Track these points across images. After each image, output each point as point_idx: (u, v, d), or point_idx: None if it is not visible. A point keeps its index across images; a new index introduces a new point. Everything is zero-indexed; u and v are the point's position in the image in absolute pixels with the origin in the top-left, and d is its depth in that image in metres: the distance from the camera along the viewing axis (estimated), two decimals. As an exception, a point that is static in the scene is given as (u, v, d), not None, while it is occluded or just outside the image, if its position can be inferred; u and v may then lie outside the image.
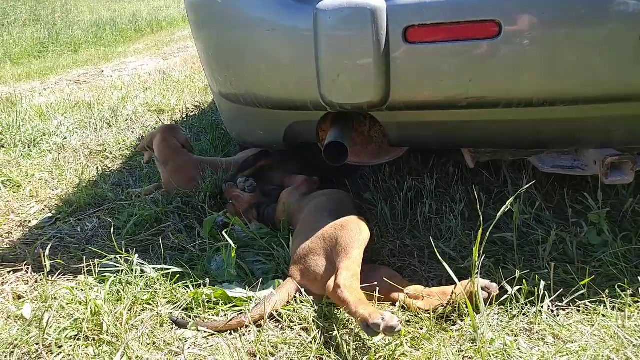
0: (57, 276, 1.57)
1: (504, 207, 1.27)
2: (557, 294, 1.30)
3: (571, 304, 1.29)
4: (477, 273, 1.24)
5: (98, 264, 1.51)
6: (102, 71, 6.65)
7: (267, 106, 1.61)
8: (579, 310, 1.28)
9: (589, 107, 1.37)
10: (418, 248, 1.61)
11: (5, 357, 1.18)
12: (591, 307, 1.28)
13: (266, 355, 1.17)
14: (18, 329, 1.26)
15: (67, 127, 3.55)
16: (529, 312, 1.26)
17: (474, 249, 1.23)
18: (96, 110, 3.95)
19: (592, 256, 1.48)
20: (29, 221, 2.08)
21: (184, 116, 3.71)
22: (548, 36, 1.24)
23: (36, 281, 1.58)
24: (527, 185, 1.48)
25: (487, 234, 1.34)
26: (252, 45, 1.51)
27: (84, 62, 8.18)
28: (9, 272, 1.62)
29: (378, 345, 1.16)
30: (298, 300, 1.34)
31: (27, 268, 1.63)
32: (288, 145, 1.78)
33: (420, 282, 1.41)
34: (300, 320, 1.27)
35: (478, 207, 1.46)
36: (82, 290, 1.39)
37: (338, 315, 1.27)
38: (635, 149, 1.53)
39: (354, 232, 1.36)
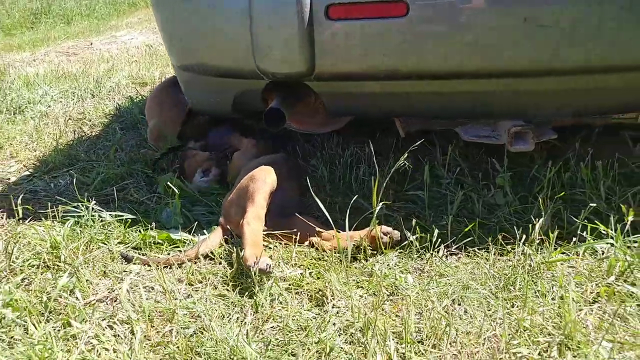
0: (28, 221, 1.78)
1: (399, 162, 1.48)
2: (451, 241, 1.51)
3: (462, 251, 1.51)
4: (377, 220, 1.46)
5: (62, 210, 1.72)
6: (91, 43, 6.76)
7: (216, 75, 1.80)
8: (468, 256, 1.50)
9: (492, 81, 1.56)
10: (345, 204, 1.82)
11: (-24, 280, 1.40)
12: (479, 252, 1.50)
13: (195, 283, 1.38)
14: (-11, 261, 1.48)
15: (51, 96, 3.72)
16: (424, 256, 1.48)
17: (373, 198, 1.44)
18: (81, 81, 4.12)
19: (494, 214, 1.69)
20: (9, 178, 2.28)
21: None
22: (450, 15, 1.43)
23: (9, 225, 1.79)
24: (418, 143, 1.67)
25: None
26: (199, 20, 1.70)
27: (74, 35, 8.27)
28: (-14, 219, 1.83)
29: (288, 275, 1.38)
30: (229, 242, 1.55)
31: (2, 215, 1.84)
32: (237, 112, 1.97)
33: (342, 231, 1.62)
34: (228, 257, 1.49)
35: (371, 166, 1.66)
36: (45, 230, 1.60)
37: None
38: (539, 120, 1.73)
39: (260, 182, 1.60)
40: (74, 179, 2.16)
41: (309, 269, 1.43)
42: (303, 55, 1.55)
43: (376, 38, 1.50)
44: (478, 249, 1.51)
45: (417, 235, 1.51)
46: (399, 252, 1.51)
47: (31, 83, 4.17)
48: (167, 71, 4.51)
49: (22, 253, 1.50)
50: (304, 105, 2.00)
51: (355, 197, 1.65)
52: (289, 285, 1.35)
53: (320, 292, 1.32)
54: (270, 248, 1.53)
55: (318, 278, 1.38)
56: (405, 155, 1.52)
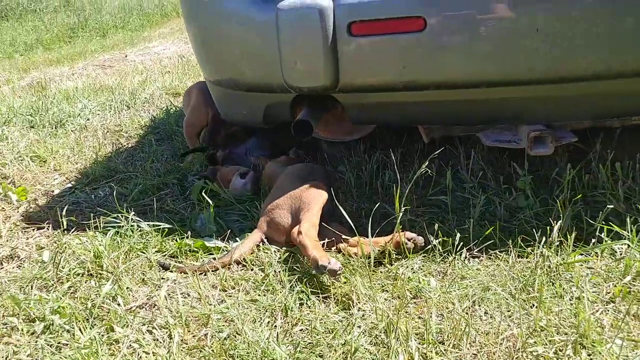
0: (72, 232, 1.91)
1: (421, 169, 1.53)
2: (473, 244, 1.56)
3: (484, 253, 1.55)
4: (401, 225, 1.52)
5: (103, 221, 1.84)
6: (126, 55, 7.02)
7: (246, 89, 1.89)
8: (489, 258, 1.53)
9: (509, 89, 1.60)
10: (371, 210, 1.88)
11: (29, 288, 1.52)
12: (500, 255, 1.53)
13: (228, 289, 1.47)
14: (38, 269, 1.60)
15: (89, 109, 3.91)
16: (447, 260, 1.52)
17: (396, 204, 1.50)
18: (117, 93, 4.31)
19: (516, 217, 1.72)
20: (52, 190, 2.43)
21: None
22: (465, 27, 1.48)
23: (54, 236, 1.93)
24: (440, 150, 1.72)
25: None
26: (230, 37, 1.80)
27: (110, 47, 8.59)
28: (33, 230, 1.98)
29: (315, 280, 1.45)
30: (262, 249, 1.64)
31: (48, 226, 1.98)
32: (268, 123, 2.07)
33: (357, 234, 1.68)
34: (260, 263, 1.58)
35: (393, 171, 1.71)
36: (89, 240, 1.72)
37: (287, 260, 1.56)
38: (557, 124, 1.75)
39: (315, 194, 1.67)
40: (114, 191, 2.30)
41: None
42: (327, 70, 1.62)
43: (396, 52, 1.56)
44: (499, 252, 1.54)
45: (440, 239, 1.55)
46: (423, 256, 1.56)
47: (71, 97, 4.39)
48: (199, 80, 4.67)
49: (68, 262, 1.62)
50: (331, 115, 2.07)
51: (378, 203, 1.72)
52: (317, 290, 1.42)
53: (346, 296, 1.38)
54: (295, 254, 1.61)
55: (344, 283, 1.44)
56: (427, 162, 1.57)
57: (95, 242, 1.67)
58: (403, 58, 1.56)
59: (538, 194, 1.76)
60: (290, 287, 1.43)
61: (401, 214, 1.53)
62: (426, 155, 2.21)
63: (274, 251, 1.62)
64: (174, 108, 3.75)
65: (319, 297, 1.40)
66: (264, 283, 1.48)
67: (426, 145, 2.27)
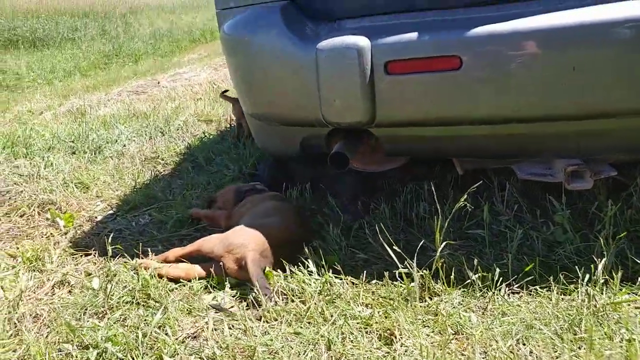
0: (117, 259, 1.98)
1: (459, 203, 1.55)
2: (513, 279, 1.56)
3: (524, 289, 1.55)
4: (442, 259, 1.53)
5: (151, 248, 1.92)
6: (159, 82, 7.26)
7: (284, 124, 1.96)
8: (530, 294, 1.54)
9: (543, 124, 1.62)
10: (407, 242, 1.91)
11: (81, 314, 1.59)
12: (541, 292, 1.53)
13: (270, 320, 1.51)
14: (89, 296, 1.67)
15: (126, 135, 4.05)
16: (486, 295, 1.53)
17: (436, 238, 1.52)
18: (151, 119, 4.45)
19: (555, 251, 1.72)
20: (96, 217, 2.53)
21: (229, 125, 4.15)
22: (500, 66, 1.51)
23: (101, 263, 2.01)
24: (477, 184, 1.74)
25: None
26: (269, 75, 1.87)
27: (142, 73, 8.89)
28: (81, 256, 2.06)
29: (356, 315, 1.47)
30: (301, 280, 1.67)
31: (95, 253, 2.06)
32: (305, 154, 2.13)
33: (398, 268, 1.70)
34: (300, 294, 1.61)
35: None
36: (134, 268, 1.79)
37: (329, 291, 1.59)
38: (596, 158, 1.75)
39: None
40: (153, 219, 2.38)
41: (377, 308, 1.52)
42: (365, 107, 1.67)
43: (431, 89, 1.61)
44: (540, 288, 1.55)
45: (479, 274, 1.56)
46: (462, 291, 1.57)
47: (107, 123, 4.56)
48: (230, 108, 4.80)
49: (117, 290, 1.68)
50: (365, 147, 2.12)
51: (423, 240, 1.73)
52: (359, 323, 1.45)
53: (388, 331, 1.40)
54: (336, 285, 1.63)
55: (386, 317, 1.46)
56: (465, 195, 1.59)
57: (142, 271, 1.73)
58: (438, 95, 1.60)
59: (577, 228, 1.76)
60: (333, 320, 1.46)
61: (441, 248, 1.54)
62: (460, 186, 2.25)
63: (314, 282, 1.66)
64: (208, 135, 3.86)
65: (361, 331, 1.42)
66: (305, 315, 1.51)
67: (459, 176, 2.29)
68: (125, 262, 1.90)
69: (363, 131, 2.05)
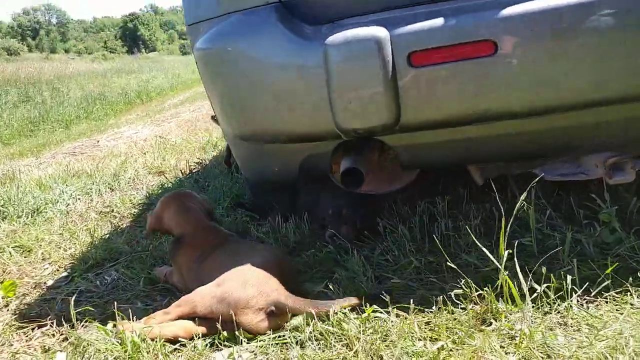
0: (83, 326, 1.56)
1: (517, 206, 1.33)
2: (582, 288, 1.33)
3: (598, 297, 1.33)
4: (506, 272, 1.28)
5: (126, 310, 1.52)
6: (98, 141, 6.76)
7: (283, 141, 1.69)
8: (606, 302, 1.31)
9: (582, 113, 1.46)
10: (440, 264, 1.65)
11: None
12: (617, 297, 1.31)
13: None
14: (57, 375, 1.25)
15: (69, 194, 3.57)
16: (559, 308, 1.29)
17: (500, 246, 1.28)
18: (97, 177, 4.00)
19: (608, 253, 1.53)
20: (45, 282, 2.07)
21: (187, 173, 3.79)
22: (540, 49, 1.35)
23: (61, 333, 1.57)
24: (532, 183, 1.55)
25: (505, 238, 1.38)
26: (265, 85, 1.61)
27: (77, 136, 8.32)
28: (32, 329, 1.61)
29: (419, 351, 1.17)
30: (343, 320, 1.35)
31: (52, 322, 1.62)
32: (302, 179, 1.85)
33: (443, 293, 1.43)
34: (340, 338, 1.29)
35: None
36: (115, 333, 1.39)
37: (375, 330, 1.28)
38: (630, 150, 1.62)
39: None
40: (122, 275, 1.97)
41: (438, 340, 1.23)
42: (388, 107, 1.45)
43: (463, 80, 1.41)
44: (616, 294, 1.33)
45: (544, 285, 1.33)
46: (526, 307, 1.31)
47: (44, 184, 4.05)
48: (183, 158, 4.45)
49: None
50: (369, 164, 1.89)
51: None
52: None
53: (467, 366, 1.11)
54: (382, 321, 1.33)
55: (457, 349, 1.17)
56: (524, 194, 1.37)
57: (125, 334, 1.34)
58: (473, 86, 1.41)
59: (626, 227, 1.58)
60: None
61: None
62: (475, 200, 2.06)
63: (353, 319, 1.34)
64: (169, 183, 3.49)
65: (434, 370, 1.12)
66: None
67: (471, 191, 2.10)
68: (97, 327, 1.49)
69: (370, 146, 1.83)
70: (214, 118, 4.00)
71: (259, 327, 1.36)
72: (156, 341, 1.31)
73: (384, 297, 1.39)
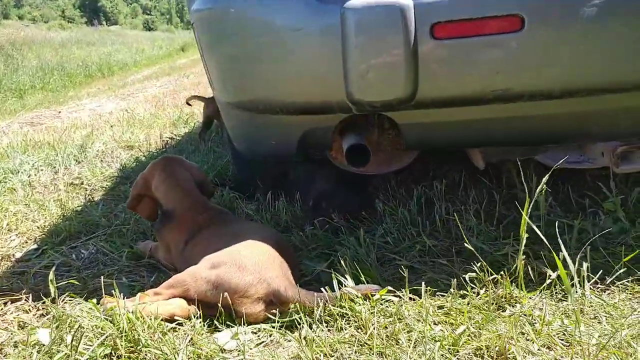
0: (63, 300, 1.42)
1: (539, 187, 1.29)
2: (597, 275, 1.32)
3: (611, 285, 1.31)
4: (523, 257, 1.25)
5: (110, 286, 1.39)
6: (59, 112, 6.40)
7: (286, 111, 1.59)
8: (620, 290, 1.30)
9: (600, 99, 1.44)
10: (444, 248, 1.61)
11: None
12: (630, 285, 1.30)
13: (324, 355, 1.09)
14: (40, 355, 1.12)
15: (31, 164, 3.34)
16: (567, 296, 1.26)
17: (522, 230, 1.24)
18: (60, 148, 3.75)
19: (613, 242, 1.52)
20: (12, 254, 1.90)
21: (161, 148, 3.61)
22: (571, 28, 1.31)
23: (38, 309, 1.43)
24: (546, 176, 1.52)
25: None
26: (271, 49, 1.50)
27: (33, 106, 7.85)
28: (5, 303, 1.46)
29: (437, 336, 1.12)
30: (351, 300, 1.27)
31: (27, 297, 1.48)
32: (300, 155, 1.75)
33: (452, 277, 1.38)
34: (353, 319, 1.21)
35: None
36: (103, 310, 1.26)
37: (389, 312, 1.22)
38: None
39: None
40: (101, 249, 1.83)
41: (455, 324, 1.18)
42: (406, 80, 1.37)
43: (488, 57, 1.35)
44: (628, 282, 1.31)
45: (556, 272, 1.30)
46: (540, 293, 1.28)
47: (2, 154, 3.78)
48: (151, 133, 4.25)
49: (84, 342, 1.15)
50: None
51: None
52: (446, 346, 1.09)
53: (495, 351, 1.06)
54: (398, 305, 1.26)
55: (476, 335, 1.12)
56: (545, 179, 1.33)
57: (119, 311, 1.22)
58: (496, 63, 1.36)
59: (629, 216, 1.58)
60: (410, 346, 1.09)
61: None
62: (470, 187, 2.02)
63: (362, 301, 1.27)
64: (142, 157, 3.31)
65: (451, 355, 1.06)
66: (372, 344, 1.12)
67: (465, 177, 2.07)
68: (90, 302, 1.36)
69: (369, 125, 1.76)
70: (194, 97, 3.86)
71: (258, 317, 1.26)
72: (151, 319, 1.20)
73: (394, 280, 1.33)
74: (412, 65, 1.37)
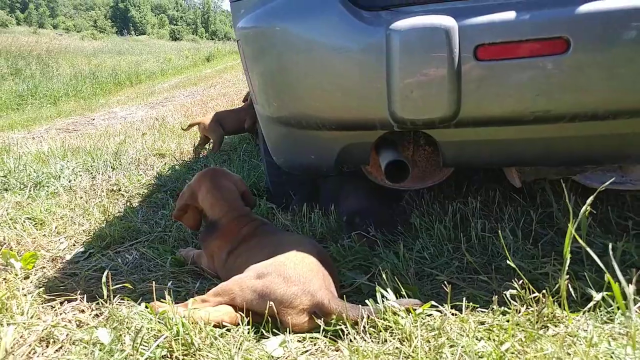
0: (116, 302, 1.49)
1: (584, 208, 1.31)
2: None
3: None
4: (567, 277, 1.26)
5: (159, 289, 1.45)
6: (93, 119, 6.60)
7: (328, 127, 1.64)
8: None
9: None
10: (481, 264, 1.63)
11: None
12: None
13: (371, 366, 1.13)
14: (100, 354, 1.18)
15: (71, 170, 3.47)
16: (620, 318, 1.27)
17: (566, 243, 1.26)
18: (96, 154, 3.88)
19: (654, 265, 1.53)
20: (62, 257, 1.99)
21: (194, 157, 3.71)
22: (617, 49, 1.33)
23: (92, 309, 1.50)
24: (591, 198, 1.53)
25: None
26: (315, 67, 1.56)
27: (67, 113, 8.11)
28: (62, 303, 1.54)
29: (486, 351, 1.15)
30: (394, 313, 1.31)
31: (82, 297, 1.55)
32: (338, 169, 1.80)
33: (491, 293, 1.41)
34: (393, 331, 1.25)
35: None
36: (158, 313, 1.32)
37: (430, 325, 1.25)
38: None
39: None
40: (144, 255, 1.90)
41: (497, 341, 1.20)
42: (449, 100, 1.42)
43: (529, 78, 1.39)
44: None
45: (602, 293, 1.31)
46: (583, 314, 1.30)
47: (42, 159, 3.92)
48: (183, 142, 4.36)
49: (142, 341, 1.21)
50: (419, 157, 1.87)
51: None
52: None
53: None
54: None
55: (522, 353, 1.15)
56: (591, 199, 1.35)
57: (170, 314, 1.28)
58: (538, 85, 1.39)
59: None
60: (458, 358, 1.12)
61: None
62: (510, 201, 2.04)
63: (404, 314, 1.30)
64: (176, 166, 3.41)
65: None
66: (414, 358, 1.15)
67: (499, 195, 2.09)
68: (130, 307, 1.43)
69: (405, 141, 1.81)
70: (191, 125, 4.05)
71: (302, 327, 1.30)
72: (201, 325, 1.26)
73: (432, 295, 1.36)
74: (455, 86, 1.41)
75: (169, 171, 3.28)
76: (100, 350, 1.18)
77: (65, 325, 1.38)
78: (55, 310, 1.49)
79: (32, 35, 26.19)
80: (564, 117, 1.43)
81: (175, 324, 1.22)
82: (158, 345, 1.17)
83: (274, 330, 1.31)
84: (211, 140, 3.84)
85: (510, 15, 1.37)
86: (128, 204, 2.60)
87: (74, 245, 2.10)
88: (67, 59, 14.14)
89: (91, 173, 3.39)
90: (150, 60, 16.75)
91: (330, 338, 1.27)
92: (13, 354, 1.21)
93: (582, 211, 1.30)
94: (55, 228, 2.24)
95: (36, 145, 4.95)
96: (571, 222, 1.27)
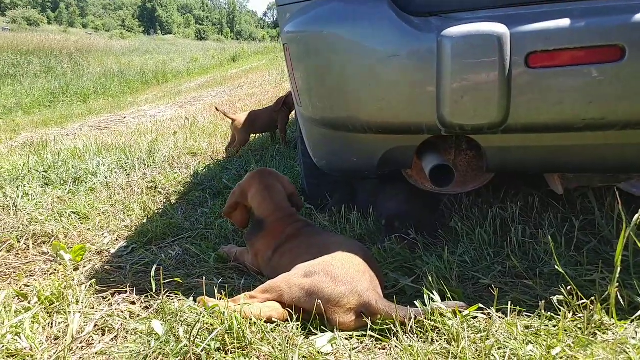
0: (165, 296, 1.54)
1: (636, 217, 1.30)
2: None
3: None
4: (617, 285, 1.26)
5: (207, 284, 1.50)
6: (124, 117, 6.74)
7: (373, 130, 1.66)
8: None
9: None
10: (523, 269, 1.63)
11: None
12: None
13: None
14: (156, 344, 1.23)
15: (107, 166, 3.55)
16: (667, 326, 1.27)
17: (617, 250, 1.26)
18: (130, 152, 3.97)
19: None
20: (107, 250, 2.05)
21: (223, 157, 3.77)
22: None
23: (142, 302, 1.55)
24: None
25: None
26: (364, 72, 1.58)
27: (98, 111, 8.30)
28: (113, 294, 1.59)
29: (535, 355, 1.15)
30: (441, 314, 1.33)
31: (132, 290, 1.61)
32: (380, 171, 1.82)
33: (535, 298, 1.41)
34: (442, 331, 1.27)
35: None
36: (208, 307, 1.36)
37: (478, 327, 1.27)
38: None
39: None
40: (187, 251, 1.95)
41: (545, 346, 1.21)
42: (499, 106, 1.43)
43: (581, 86, 1.39)
44: None
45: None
46: (632, 322, 1.30)
47: (78, 155, 4.03)
48: (214, 141, 4.42)
49: (197, 334, 1.25)
50: (463, 162, 1.88)
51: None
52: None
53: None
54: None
55: (572, 358, 1.15)
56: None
57: (220, 309, 1.32)
58: (591, 93, 1.39)
59: None
60: (506, 362, 1.13)
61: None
62: (549, 207, 2.03)
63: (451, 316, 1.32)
64: (208, 164, 3.47)
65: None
66: (462, 359, 1.16)
67: (536, 200, 2.08)
68: (181, 300, 1.48)
69: (447, 145, 1.82)
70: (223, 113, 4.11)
71: (349, 326, 1.33)
72: (251, 320, 1.29)
73: (476, 298, 1.37)
74: (505, 92, 1.42)
75: (204, 170, 3.34)
76: (156, 340, 1.23)
77: (119, 315, 1.43)
78: (108, 300, 1.55)
79: (62, 34, 26.84)
80: (616, 124, 1.43)
81: (228, 318, 1.25)
82: (212, 338, 1.21)
83: (321, 327, 1.34)
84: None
85: (563, 22, 1.37)
86: (167, 201, 2.66)
87: (117, 239, 2.16)
88: (97, 57, 14.45)
89: (125, 170, 3.47)
90: (176, 59, 17.01)
91: (377, 337, 1.29)
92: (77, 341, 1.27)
93: (634, 220, 1.30)
94: (99, 222, 2.31)
95: (70, 141, 5.09)
96: (624, 230, 1.27)
